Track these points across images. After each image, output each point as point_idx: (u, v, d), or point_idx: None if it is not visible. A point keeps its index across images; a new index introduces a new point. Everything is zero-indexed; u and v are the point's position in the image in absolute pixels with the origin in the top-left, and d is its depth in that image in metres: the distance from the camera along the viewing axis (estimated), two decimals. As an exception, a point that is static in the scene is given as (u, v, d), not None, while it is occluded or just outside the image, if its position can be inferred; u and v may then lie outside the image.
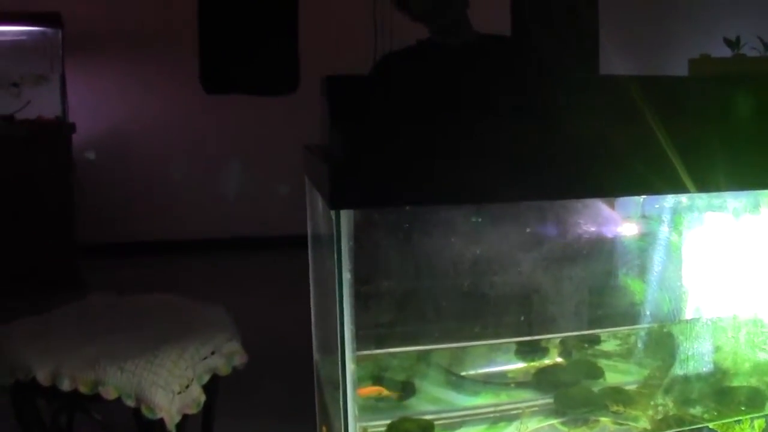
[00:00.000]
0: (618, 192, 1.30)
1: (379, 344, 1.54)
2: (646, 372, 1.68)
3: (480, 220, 1.32)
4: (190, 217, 7.11)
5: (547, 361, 1.84)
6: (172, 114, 7.14)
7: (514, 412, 1.64)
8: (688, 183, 1.21)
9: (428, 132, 1.15)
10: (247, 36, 7.20)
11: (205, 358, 2.55)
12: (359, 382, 1.30)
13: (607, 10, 7.81)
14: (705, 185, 1.23)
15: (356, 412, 1.22)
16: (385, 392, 1.54)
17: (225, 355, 2.64)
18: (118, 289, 5.55)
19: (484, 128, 1.16)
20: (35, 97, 6.28)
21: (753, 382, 1.55)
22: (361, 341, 1.20)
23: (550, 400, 1.66)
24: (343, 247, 1.10)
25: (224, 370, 2.62)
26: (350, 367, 1.15)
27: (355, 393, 1.19)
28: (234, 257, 6.77)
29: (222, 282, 5.88)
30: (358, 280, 1.15)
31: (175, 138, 7.15)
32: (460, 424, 1.62)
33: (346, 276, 1.09)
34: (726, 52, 6.90)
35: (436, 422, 1.55)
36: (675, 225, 1.35)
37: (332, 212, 1.08)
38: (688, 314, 1.58)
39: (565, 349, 1.87)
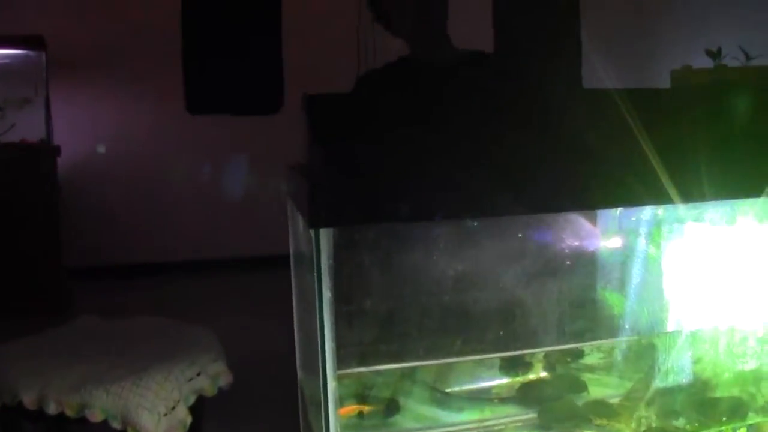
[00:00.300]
0: (601, 204, 1.30)
1: (362, 362, 1.54)
2: (629, 385, 1.68)
3: (462, 234, 1.33)
4: (176, 238, 7.10)
5: (531, 376, 1.84)
6: (157, 135, 7.15)
7: (499, 427, 1.64)
8: (675, 193, 1.22)
9: (407, 149, 1.15)
10: (231, 56, 7.21)
11: (190, 380, 2.55)
12: (343, 400, 1.31)
13: (589, 21, 7.85)
14: (692, 195, 1.24)
15: (338, 430, 1.22)
16: (366, 408, 1.54)
17: (210, 376, 2.65)
18: (105, 311, 5.54)
19: (464, 144, 1.17)
20: (19, 120, 6.27)
21: (735, 392, 1.56)
22: (342, 359, 1.20)
23: (535, 415, 1.66)
24: (322, 266, 1.10)
25: (210, 391, 2.63)
26: (332, 385, 1.16)
27: (337, 412, 1.19)
28: (220, 277, 6.76)
29: (208, 302, 5.87)
30: (339, 299, 1.15)
31: (160, 159, 7.15)
32: (446, 441, 1.62)
33: (327, 294, 1.10)
34: (708, 63, 6.93)
35: (421, 439, 1.55)
36: (653, 237, 1.36)
37: (311, 231, 1.08)
38: (669, 326, 1.58)
39: (548, 363, 1.87)
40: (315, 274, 1.09)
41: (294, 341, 1.80)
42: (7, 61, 6.38)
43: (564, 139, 1.24)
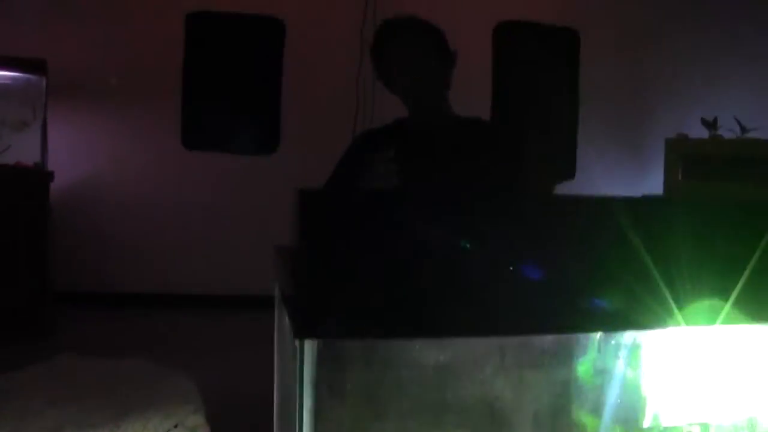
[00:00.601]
0: (600, 327, 1.30)
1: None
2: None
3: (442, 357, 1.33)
4: (165, 271, 7.11)
5: None
6: (151, 167, 7.17)
7: None
8: (669, 318, 1.23)
9: (401, 259, 1.16)
10: (229, 95, 7.26)
11: (168, 431, 2.55)
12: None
13: (585, 87, 7.93)
14: (691, 320, 1.25)
15: None
16: None
17: (189, 428, 2.65)
18: (89, 340, 5.57)
19: (455, 258, 1.18)
20: (16, 141, 6.30)
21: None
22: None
23: None
24: (305, 376, 1.11)
25: (187, 443, 2.63)
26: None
27: None
28: (206, 313, 6.76)
29: (193, 339, 5.87)
30: (321, 406, 1.16)
31: (153, 191, 7.17)
32: None
33: (308, 402, 1.11)
34: (703, 133, 6.99)
35: None
36: (631, 358, 1.37)
37: (296, 341, 1.09)
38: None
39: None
40: (297, 383, 1.10)
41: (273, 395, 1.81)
42: (8, 82, 6.41)
43: (554, 255, 1.25)
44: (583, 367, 1.33)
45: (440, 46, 3.22)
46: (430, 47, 3.18)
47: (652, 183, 7.44)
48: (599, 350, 1.31)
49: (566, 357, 1.35)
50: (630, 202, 1.32)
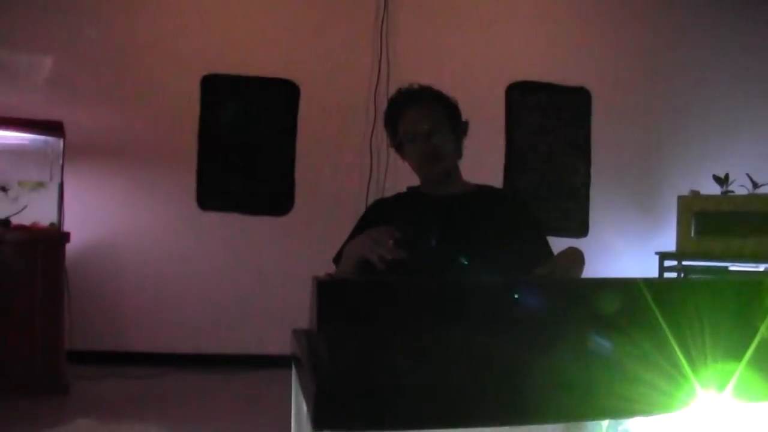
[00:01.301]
0: (619, 414, 1.31)
1: None
2: None
3: None
4: (180, 331, 7.12)
5: None
6: (166, 227, 7.21)
7: None
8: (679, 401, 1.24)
9: (420, 348, 1.19)
10: (244, 156, 7.31)
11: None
12: None
13: (597, 145, 7.97)
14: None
15: None
16: None
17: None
18: (103, 399, 5.59)
19: (472, 346, 1.21)
20: (32, 202, 6.37)
21: None
22: None
23: None
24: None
25: None
26: None
27: None
28: (221, 373, 6.76)
29: (208, 401, 5.87)
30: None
31: (168, 250, 7.20)
32: None
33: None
34: (715, 189, 7.02)
35: None
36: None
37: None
38: None
39: None
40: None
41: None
42: (26, 143, 6.47)
43: (571, 340, 1.28)
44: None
45: (452, 115, 3.28)
46: (443, 117, 3.24)
47: (664, 239, 7.46)
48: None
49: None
50: (629, 284, 1.35)
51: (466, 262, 2.97)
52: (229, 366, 6.90)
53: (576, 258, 2.83)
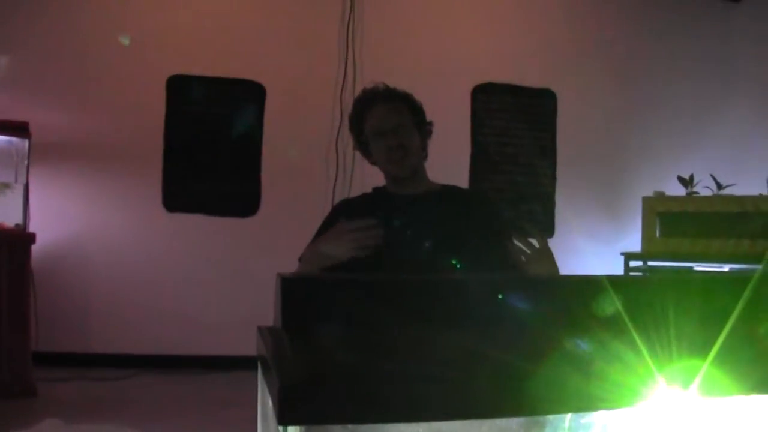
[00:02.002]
0: (581, 408, 1.32)
1: None
2: None
3: None
4: (148, 333, 7.09)
5: None
6: (132, 228, 7.18)
7: None
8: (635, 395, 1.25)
9: (383, 344, 1.20)
10: (210, 158, 7.30)
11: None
12: None
13: (563, 146, 8.01)
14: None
15: None
16: None
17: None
18: (69, 401, 5.55)
19: (433, 342, 1.22)
20: (-3, 203, 6.33)
21: None
22: None
23: None
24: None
25: None
26: None
27: None
28: (187, 374, 6.74)
29: (174, 402, 5.85)
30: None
31: (134, 252, 7.18)
32: None
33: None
34: (680, 190, 7.07)
35: None
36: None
37: (279, 427, 1.13)
38: None
39: None
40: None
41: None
42: (-9, 144, 6.44)
43: (533, 336, 1.29)
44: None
45: (417, 115, 3.30)
46: (408, 115, 3.25)
47: (630, 240, 7.51)
48: (570, 429, 1.35)
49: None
50: (593, 282, 1.37)
51: (433, 261, 2.99)
52: (198, 367, 6.88)
53: (549, 254, 2.88)
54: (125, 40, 7.12)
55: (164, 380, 6.59)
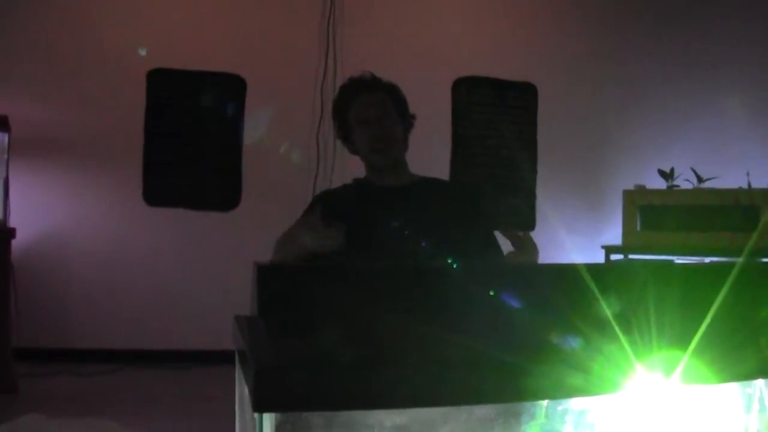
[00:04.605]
0: (548, 395, 1.32)
1: None
2: None
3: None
4: (130, 328, 7.06)
5: None
6: (113, 223, 7.16)
7: None
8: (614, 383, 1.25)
9: (355, 332, 1.20)
10: (191, 151, 7.27)
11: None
12: None
13: (541, 137, 8.02)
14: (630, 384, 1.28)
15: None
16: None
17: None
18: (51, 397, 5.53)
19: (410, 329, 1.22)
20: (-25, 198, 6.30)
21: None
22: None
23: None
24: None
25: None
26: None
27: None
28: (169, 369, 6.72)
29: (157, 397, 5.83)
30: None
31: (115, 246, 7.15)
32: None
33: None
34: (660, 183, 7.08)
35: None
36: (578, 422, 1.40)
37: (255, 414, 1.12)
38: None
39: None
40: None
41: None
42: (-31, 139, 6.39)
43: (508, 323, 1.29)
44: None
45: (401, 107, 3.31)
46: (393, 106, 3.26)
47: (610, 233, 7.52)
48: (547, 416, 1.35)
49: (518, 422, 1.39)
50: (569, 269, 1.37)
51: (415, 252, 2.99)
52: (180, 362, 6.85)
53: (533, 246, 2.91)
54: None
55: (147, 375, 6.57)
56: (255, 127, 7.30)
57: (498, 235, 3.29)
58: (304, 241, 2.84)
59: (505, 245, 3.19)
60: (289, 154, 7.30)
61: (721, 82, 8.29)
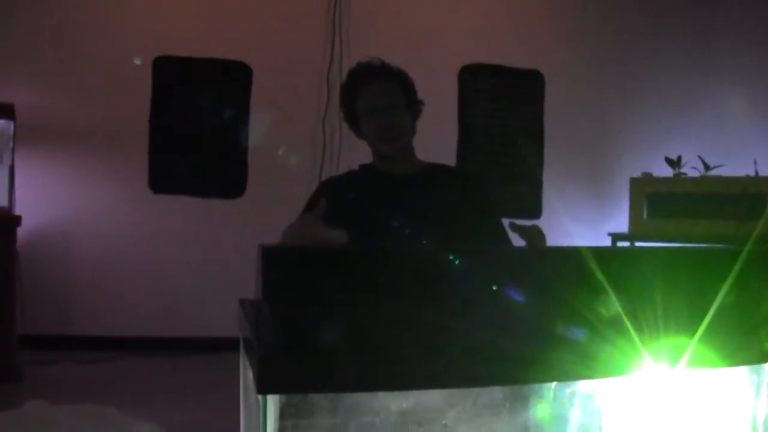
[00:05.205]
0: (555, 377, 1.31)
1: None
2: None
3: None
4: (134, 315, 7.07)
5: None
6: (118, 210, 7.16)
7: None
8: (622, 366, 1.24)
9: (360, 315, 1.19)
10: (196, 139, 7.27)
11: (135, 479, 2.55)
12: None
13: (550, 127, 8.01)
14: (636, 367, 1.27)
15: None
16: None
17: (156, 475, 2.64)
18: (55, 384, 5.53)
19: (413, 313, 1.21)
20: (-19, 185, 6.29)
21: None
22: None
23: None
24: (269, 429, 1.13)
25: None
26: None
27: None
28: (174, 356, 6.73)
29: (161, 384, 5.84)
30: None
31: (120, 234, 7.15)
32: None
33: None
34: (667, 171, 7.07)
35: None
36: (586, 405, 1.39)
37: (259, 396, 1.12)
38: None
39: None
40: (260, 435, 1.13)
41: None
42: (-25, 126, 6.38)
43: (507, 306, 1.28)
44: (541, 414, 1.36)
45: (409, 93, 3.30)
46: (401, 94, 3.25)
47: (617, 221, 7.51)
48: (556, 398, 1.35)
49: (525, 405, 1.38)
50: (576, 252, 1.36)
51: (420, 238, 2.98)
52: (183, 350, 6.85)
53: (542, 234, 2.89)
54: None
55: (151, 362, 6.58)
56: (261, 117, 7.30)
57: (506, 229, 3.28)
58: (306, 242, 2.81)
59: (515, 240, 3.17)
60: (294, 145, 7.29)
61: (729, 71, 8.28)
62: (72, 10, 7.11)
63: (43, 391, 5.15)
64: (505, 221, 3.12)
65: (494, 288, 1.32)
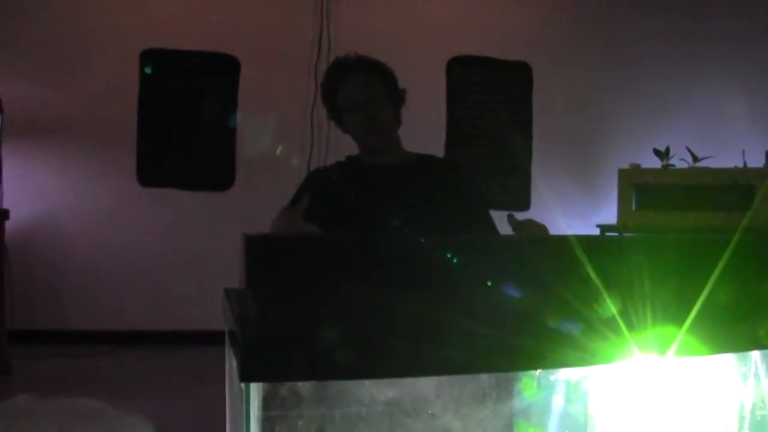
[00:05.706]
0: (533, 365, 1.31)
1: None
2: None
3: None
4: (122, 308, 7.06)
5: None
6: (107, 204, 7.14)
7: None
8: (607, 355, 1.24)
9: (343, 303, 1.19)
10: (184, 132, 7.26)
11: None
12: None
13: (538, 119, 8.01)
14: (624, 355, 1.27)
15: None
16: None
17: (145, 468, 2.63)
18: (44, 378, 5.51)
19: (397, 301, 1.20)
20: (-32, 179, 6.27)
21: None
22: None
23: None
24: (251, 417, 1.13)
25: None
26: None
27: None
28: (163, 350, 6.72)
29: (150, 378, 5.83)
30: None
31: (108, 227, 7.13)
32: None
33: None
34: (656, 162, 7.07)
35: None
36: (571, 393, 1.39)
37: (242, 384, 1.11)
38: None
39: None
40: (244, 425, 1.12)
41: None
42: (-39, 120, 6.36)
43: (494, 295, 1.27)
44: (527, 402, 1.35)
45: (389, 83, 3.28)
46: (380, 85, 3.23)
47: (606, 213, 7.52)
48: (541, 386, 1.34)
49: (512, 392, 1.38)
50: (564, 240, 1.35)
51: (407, 228, 2.98)
52: (173, 343, 6.84)
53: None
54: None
55: (140, 356, 6.57)
56: (249, 110, 7.30)
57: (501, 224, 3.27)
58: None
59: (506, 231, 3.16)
60: (282, 138, 7.29)
61: (717, 62, 8.29)
62: (59, 3, 7.08)
63: (33, 384, 5.15)
64: (502, 214, 3.11)
65: (481, 277, 1.32)
